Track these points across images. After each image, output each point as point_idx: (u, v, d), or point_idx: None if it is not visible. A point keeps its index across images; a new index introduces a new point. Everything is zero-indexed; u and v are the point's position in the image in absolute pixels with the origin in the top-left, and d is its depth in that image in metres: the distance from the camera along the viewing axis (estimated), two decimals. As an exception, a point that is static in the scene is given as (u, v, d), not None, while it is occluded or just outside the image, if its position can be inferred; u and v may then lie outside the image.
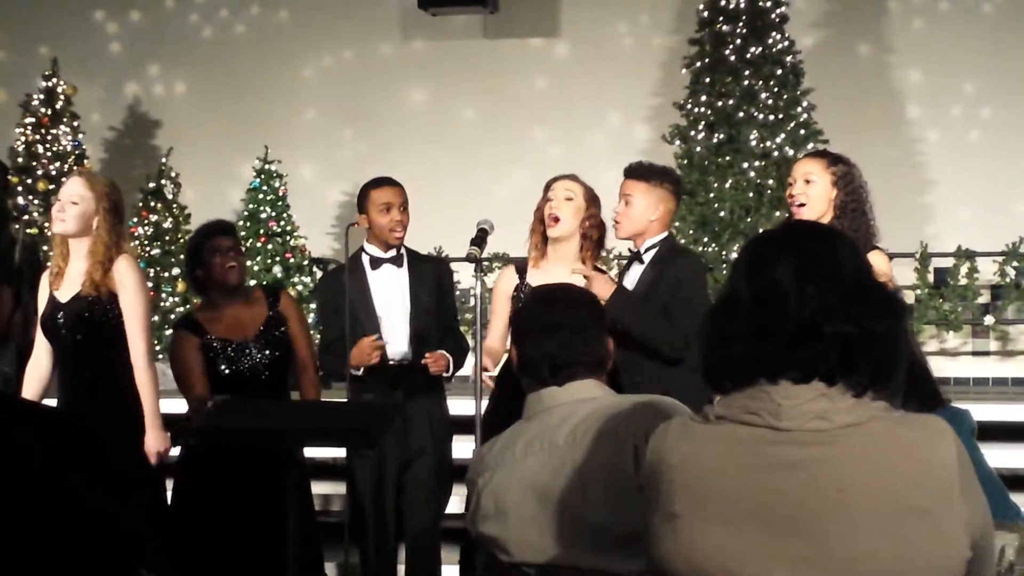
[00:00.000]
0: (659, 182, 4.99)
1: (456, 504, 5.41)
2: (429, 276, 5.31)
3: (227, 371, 4.93)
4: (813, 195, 4.53)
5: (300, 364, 5.10)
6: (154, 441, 4.73)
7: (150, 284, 10.07)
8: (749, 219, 9.52)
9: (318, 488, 5.22)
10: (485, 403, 4.49)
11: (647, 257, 4.95)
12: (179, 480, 4.99)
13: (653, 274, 4.89)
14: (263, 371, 4.96)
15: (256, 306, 5.08)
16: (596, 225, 5.05)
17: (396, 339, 5.23)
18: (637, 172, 5.02)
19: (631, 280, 4.97)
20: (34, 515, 1.15)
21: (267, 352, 4.98)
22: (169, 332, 10.12)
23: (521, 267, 5.17)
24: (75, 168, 10.65)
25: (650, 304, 4.81)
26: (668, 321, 4.75)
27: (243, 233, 9.67)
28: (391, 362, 5.18)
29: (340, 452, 5.78)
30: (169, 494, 4.99)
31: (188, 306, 9.89)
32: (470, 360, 4.91)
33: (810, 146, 9.60)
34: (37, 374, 4.90)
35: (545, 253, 5.09)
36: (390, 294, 5.26)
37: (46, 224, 10.57)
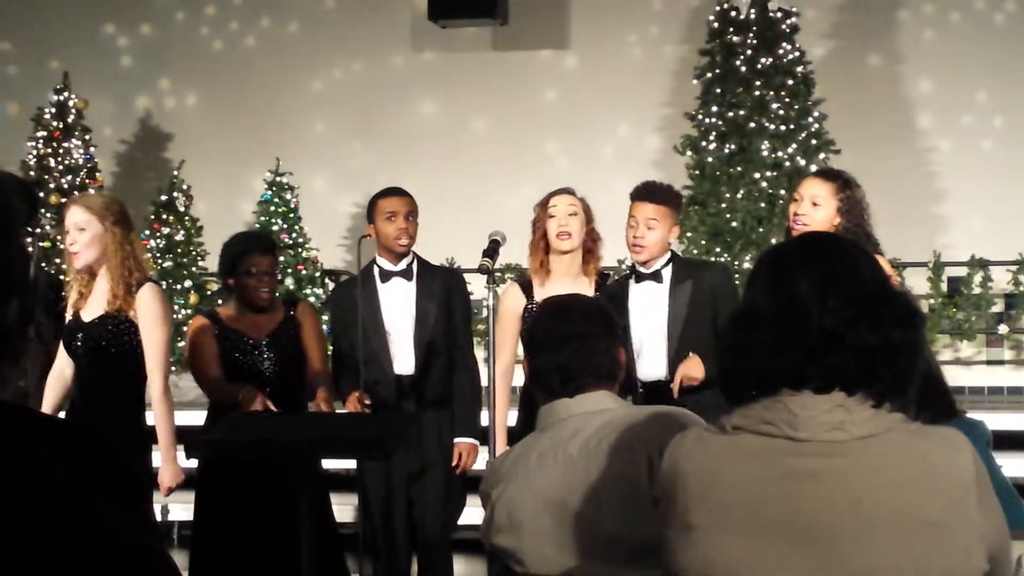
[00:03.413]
0: (673, 205, 5.04)
1: (469, 515, 5.41)
2: (438, 287, 5.30)
3: (239, 362, 5.01)
4: (817, 218, 4.61)
5: (311, 370, 5.12)
6: (168, 475, 4.76)
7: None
8: (761, 229, 9.50)
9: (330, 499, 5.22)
10: (498, 414, 4.49)
11: (666, 275, 4.98)
12: (200, 494, 5.00)
13: (681, 292, 4.92)
14: (270, 373, 5.02)
15: (274, 313, 5.16)
16: (596, 238, 5.16)
17: (404, 353, 5.24)
18: (656, 195, 5.03)
19: (645, 299, 4.97)
20: (57, 537, 1.14)
21: (275, 356, 5.04)
22: (182, 344, 10.17)
23: (525, 285, 5.18)
24: (87, 181, 10.68)
25: (702, 334, 4.80)
26: None
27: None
28: (397, 375, 5.21)
29: (352, 463, 5.78)
30: (192, 508, 5.03)
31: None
32: (484, 371, 4.90)
33: (821, 156, 9.59)
34: (59, 385, 4.90)
35: (548, 273, 5.11)
36: (399, 308, 5.26)
37: (58, 237, 10.59)
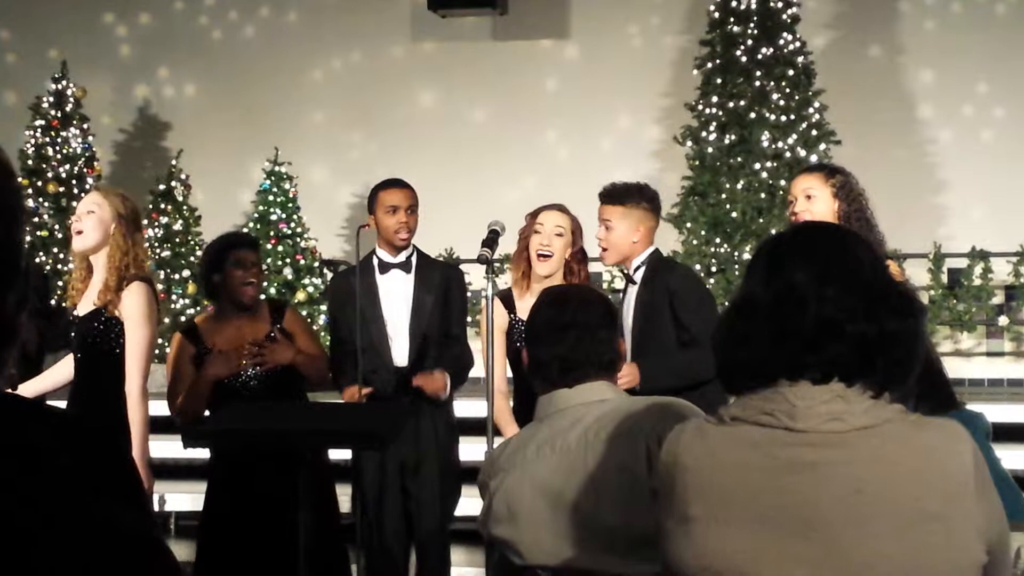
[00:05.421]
0: (635, 203, 4.94)
1: (466, 506, 5.40)
2: (436, 281, 5.30)
3: (222, 380, 4.89)
4: (817, 210, 4.52)
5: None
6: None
7: (160, 287, 10.08)
8: (761, 220, 9.50)
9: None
10: (502, 423, 4.48)
11: (638, 277, 4.95)
12: (212, 483, 4.99)
13: (645, 293, 4.88)
14: (255, 384, 4.91)
15: (259, 322, 5.01)
16: (580, 259, 5.10)
17: (400, 344, 5.24)
18: (612, 196, 4.97)
19: (628, 303, 4.95)
20: (57, 530, 1.12)
21: (260, 369, 4.91)
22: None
23: (506, 299, 5.15)
24: (85, 170, 10.68)
25: (658, 337, 4.77)
26: (694, 348, 4.69)
27: (253, 235, 9.63)
28: (395, 367, 5.20)
29: (347, 454, 5.78)
30: (191, 497, 5.01)
31: (197, 308, 9.90)
32: (479, 363, 4.89)
33: (822, 147, 9.58)
34: (63, 370, 4.90)
35: (529, 284, 5.08)
36: (397, 299, 5.27)
37: (56, 226, 10.58)
